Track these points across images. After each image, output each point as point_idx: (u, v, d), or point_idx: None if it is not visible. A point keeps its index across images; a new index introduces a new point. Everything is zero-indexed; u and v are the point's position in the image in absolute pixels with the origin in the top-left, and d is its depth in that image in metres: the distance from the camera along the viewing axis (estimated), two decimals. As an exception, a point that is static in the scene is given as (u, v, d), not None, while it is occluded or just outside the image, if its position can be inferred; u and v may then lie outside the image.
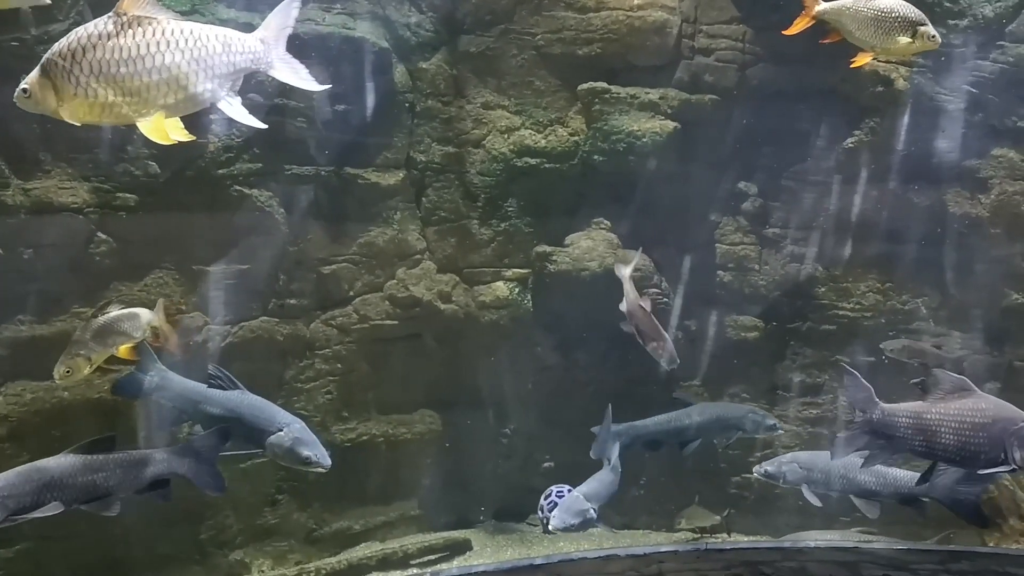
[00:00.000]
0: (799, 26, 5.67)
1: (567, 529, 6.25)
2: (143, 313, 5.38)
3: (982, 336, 8.03)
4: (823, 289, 8.21)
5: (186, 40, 3.71)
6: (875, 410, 5.17)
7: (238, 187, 6.92)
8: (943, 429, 4.92)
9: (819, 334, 8.21)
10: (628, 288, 6.64)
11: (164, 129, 3.77)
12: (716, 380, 8.27)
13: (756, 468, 6.74)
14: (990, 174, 7.99)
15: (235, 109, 3.87)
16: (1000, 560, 3.64)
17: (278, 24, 3.99)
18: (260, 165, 6.99)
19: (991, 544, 6.78)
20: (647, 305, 6.54)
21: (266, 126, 4.29)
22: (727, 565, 3.25)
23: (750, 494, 8.10)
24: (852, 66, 5.76)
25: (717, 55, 8.07)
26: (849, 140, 8.05)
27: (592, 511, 6.25)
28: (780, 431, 7.42)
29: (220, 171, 6.83)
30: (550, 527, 6.34)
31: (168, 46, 3.67)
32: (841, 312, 8.17)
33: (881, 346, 7.74)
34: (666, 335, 6.54)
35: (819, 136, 8.11)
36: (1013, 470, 4.77)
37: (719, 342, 8.23)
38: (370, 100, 7.48)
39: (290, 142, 7.14)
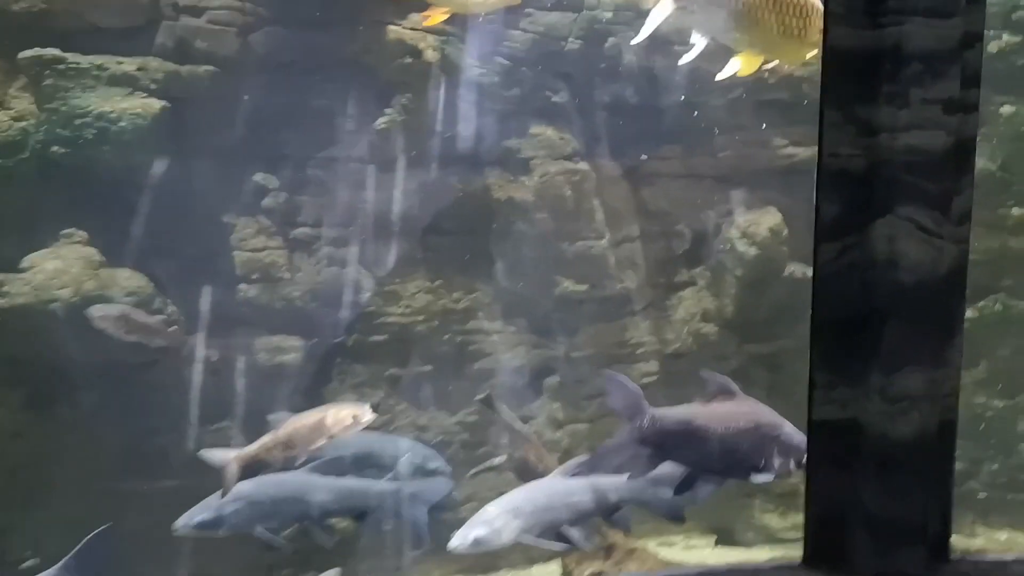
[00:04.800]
0: None
1: None
2: None
3: (538, 328, 7.59)
4: (368, 295, 7.19)
5: None
6: (644, 417, 4.62)
7: None
8: (710, 435, 4.59)
9: (368, 346, 7.19)
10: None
11: None
12: (256, 416, 6.87)
13: (454, 544, 5.10)
14: (531, 154, 7.51)
15: None
16: None
17: None
18: None
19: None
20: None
21: None
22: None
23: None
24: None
25: (209, 16, 6.61)
26: (380, 120, 7.08)
27: None
28: (444, 474, 6.19)
29: None
30: None
31: None
32: (391, 319, 7.25)
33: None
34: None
35: (347, 116, 7.07)
36: (772, 478, 4.62)
37: (251, 371, 6.87)
38: None
39: None
